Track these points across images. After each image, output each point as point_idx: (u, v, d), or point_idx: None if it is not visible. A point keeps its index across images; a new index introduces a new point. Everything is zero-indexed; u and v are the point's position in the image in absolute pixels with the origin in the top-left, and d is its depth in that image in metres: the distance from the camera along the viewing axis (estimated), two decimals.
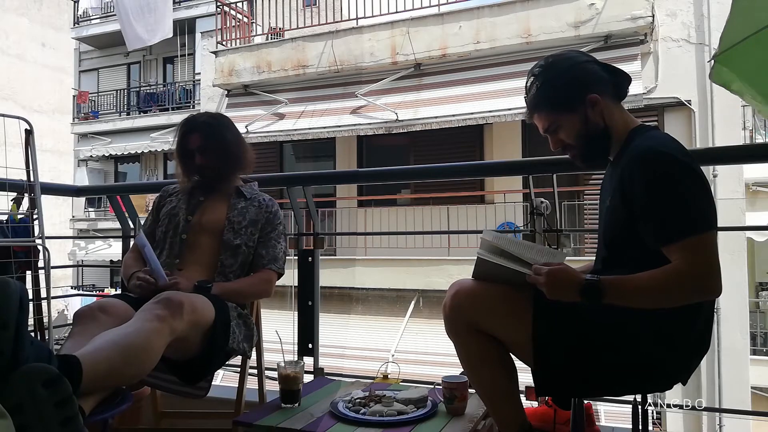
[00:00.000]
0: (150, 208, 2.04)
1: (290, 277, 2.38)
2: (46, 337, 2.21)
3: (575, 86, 1.35)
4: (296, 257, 2.38)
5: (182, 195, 1.96)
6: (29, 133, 2.23)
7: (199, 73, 11.32)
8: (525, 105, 1.44)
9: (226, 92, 9.69)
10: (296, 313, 2.36)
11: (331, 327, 7.57)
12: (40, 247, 2.19)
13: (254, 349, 1.93)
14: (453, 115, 7.73)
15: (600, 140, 1.36)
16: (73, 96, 15.58)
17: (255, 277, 1.86)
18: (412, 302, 8.07)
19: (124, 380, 1.40)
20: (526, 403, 1.49)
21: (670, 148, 1.23)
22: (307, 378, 1.93)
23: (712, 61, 1.63)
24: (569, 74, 1.36)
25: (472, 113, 7.65)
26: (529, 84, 1.41)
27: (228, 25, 9.68)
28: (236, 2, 9.69)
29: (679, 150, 1.24)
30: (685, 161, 1.20)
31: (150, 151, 13.79)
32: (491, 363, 1.35)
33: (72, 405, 1.07)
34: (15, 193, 2.27)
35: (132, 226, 2.76)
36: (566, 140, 1.39)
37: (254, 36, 10.01)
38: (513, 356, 1.38)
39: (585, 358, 1.27)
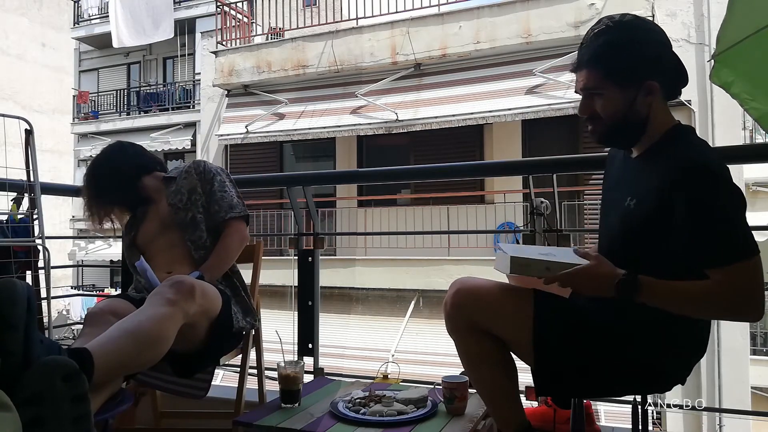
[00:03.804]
0: None
1: (290, 277, 2.39)
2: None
3: (643, 65, 1.21)
4: (296, 257, 2.38)
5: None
6: (29, 133, 2.23)
7: (199, 73, 11.32)
8: (578, 52, 1.28)
9: (226, 92, 9.69)
10: (296, 313, 2.36)
11: (331, 327, 7.57)
12: (40, 247, 2.19)
13: (254, 348, 1.93)
14: (453, 115, 7.74)
15: (633, 129, 1.26)
16: (73, 96, 15.56)
17: (225, 237, 1.83)
18: (412, 302, 8.07)
19: (137, 367, 1.41)
20: (526, 403, 1.49)
21: (718, 165, 1.16)
22: (307, 378, 1.93)
23: (712, 61, 1.64)
24: (644, 49, 1.21)
25: (472, 113, 7.65)
26: (595, 32, 1.25)
27: (228, 25, 9.68)
28: (236, 2, 9.69)
29: (724, 166, 1.18)
30: (731, 181, 1.16)
31: (150, 151, 13.78)
32: (491, 361, 1.34)
33: (86, 402, 1.07)
34: (15, 193, 2.27)
35: None
36: (598, 111, 1.26)
37: (254, 36, 10.01)
38: (513, 355, 1.37)
39: (585, 359, 1.27)
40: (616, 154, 1.43)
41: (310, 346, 2.31)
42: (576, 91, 1.31)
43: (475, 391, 1.49)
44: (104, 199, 1.90)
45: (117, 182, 1.89)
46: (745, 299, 1.11)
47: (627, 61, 1.22)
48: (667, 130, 1.26)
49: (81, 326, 1.60)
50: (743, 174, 7.01)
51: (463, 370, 1.46)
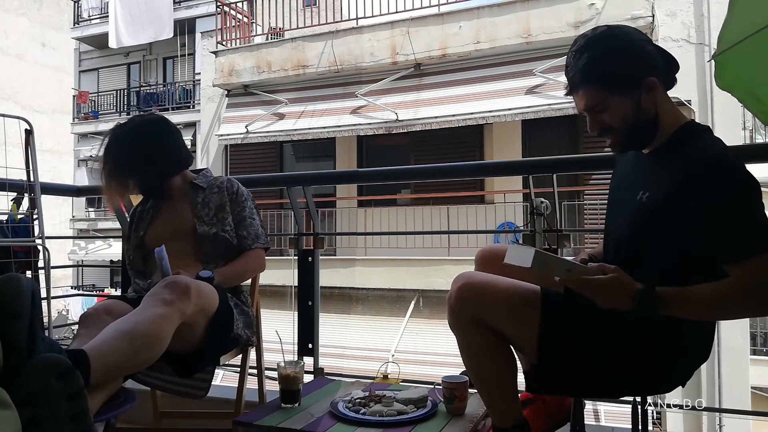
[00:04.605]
0: None
1: (290, 277, 2.39)
2: None
3: (635, 66, 1.23)
4: (296, 257, 2.38)
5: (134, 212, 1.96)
6: (29, 133, 2.24)
7: (199, 73, 11.33)
8: (566, 76, 1.30)
9: (226, 92, 9.69)
10: (296, 313, 2.36)
11: (331, 327, 7.58)
12: (40, 247, 2.19)
13: (254, 348, 1.93)
14: (453, 115, 7.74)
15: (646, 129, 1.26)
16: (73, 96, 15.58)
17: (247, 257, 1.85)
18: (412, 302, 8.07)
19: (134, 368, 1.40)
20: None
21: (734, 160, 1.16)
22: (307, 378, 1.93)
23: (712, 61, 1.63)
24: (630, 51, 1.23)
25: (472, 113, 7.65)
26: (578, 53, 1.26)
27: (228, 25, 9.68)
28: (236, 2, 9.69)
29: (740, 162, 1.17)
30: (749, 175, 1.15)
31: None
32: (492, 356, 1.33)
33: (83, 400, 1.07)
34: (15, 193, 2.28)
35: None
36: (610, 123, 1.26)
37: (254, 36, 10.01)
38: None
39: (589, 358, 1.26)
40: (625, 155, 1.41)
41: (310, 346, 2.31)
42: (579, 113, 1.31)
43: (475, 390, 1.49)
44: (135, 172, 1.80)
45: (157, 160, 1.81)
46: None
47: (619, 67, 1.23)
48: (680, 127, 1.26)
49: None
50: None
51: (463, 369, 1.45)
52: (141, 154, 1.79)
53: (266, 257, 1.92)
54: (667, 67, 1.28)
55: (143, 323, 1.36)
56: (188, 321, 1.47)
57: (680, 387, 1.32)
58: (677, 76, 1.33)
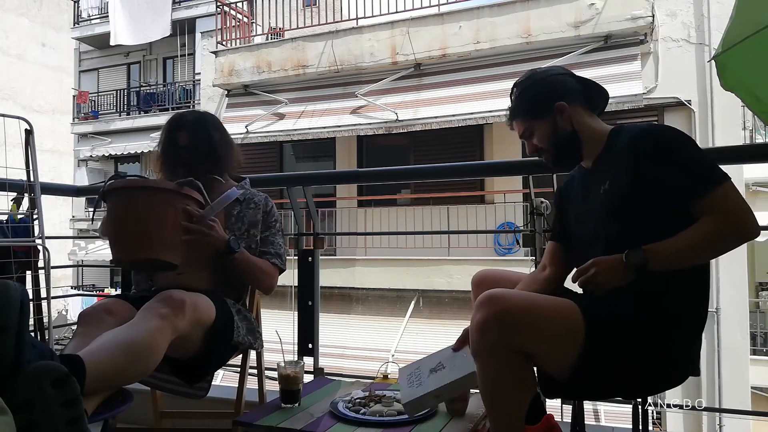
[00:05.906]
0: None
1: (290, 277, 2.38)
2: (46, 338, 2.21)
3: (545, 95, 1.47)
4: (296, 257, 2.38)
5: None
6: (29, 133, 2.23)
7: (199, 73, 11.32)
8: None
9: (226, 92, 9.69)
10: (296, 313, 2.36)
11: (331, 327, 7.57)
12: (40, 247, 2.19)
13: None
14: (453, 115, 7.73)
15: (569, 144, 1.46)
16: (73, 96, 15.56)
17: (266, 266, 1.82)
18: (412, 302, 8.07)
19: (128, 379, 1.40)
20: None
21: (662, 124, 1.30)
22: (307, 378, 1.93)
23: (712, 61, 1.64)
24: (541, 85, 1.50)
25: (472, 113, 7.65)
26: (511, 95, 1.55)
27: (228, 25, 9.68)
28: (236, 2, 9.69)
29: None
30: (679, 130, 1.33)
31: (150, 151, 13.76)
32: (518, 380, 1.28)
33: (78, 405, 1.06)
34: (15, 193, 2.27)
35: None
36: (539, 144, 1.50)
37: (254, 36, 10.01)
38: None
39: (619, 367, 1.26)
40: (571, 179, 1.57)
41: (310, 346, 2.31)
42: (521, 140, 1.57)
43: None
44: (189, 157, 1.81)
45: (213, 149, 1.84)
46: (742, 214, 1.21)
47: (534, 100, 1.49)
48: (609, 134, 1.45)
49: None
50: (743, 174, 7.00)
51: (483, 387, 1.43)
52: (206, 139, 1.85)
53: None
54: (585, 91, 1.49)
55: (137, 334, 1.37)
56: (183, 335, 1.48)
57: (680, 387, 1.33)
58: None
